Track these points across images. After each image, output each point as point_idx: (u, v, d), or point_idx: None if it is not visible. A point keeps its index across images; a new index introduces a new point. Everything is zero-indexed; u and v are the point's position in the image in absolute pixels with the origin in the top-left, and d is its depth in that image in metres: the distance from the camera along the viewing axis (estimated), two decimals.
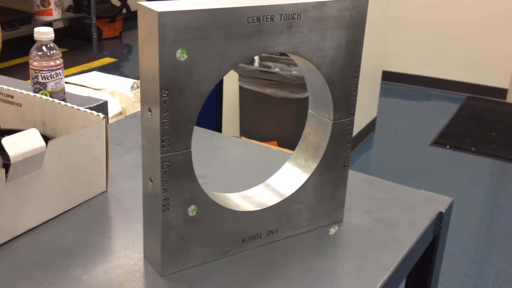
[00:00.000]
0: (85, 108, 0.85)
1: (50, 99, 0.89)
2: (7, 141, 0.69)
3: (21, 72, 3.68)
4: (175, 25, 0.58)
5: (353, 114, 0.76)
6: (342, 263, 0.72)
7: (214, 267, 0.70)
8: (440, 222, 0.84)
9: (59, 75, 1.13)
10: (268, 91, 2.44)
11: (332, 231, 0.79)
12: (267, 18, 0.64)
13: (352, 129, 0.77)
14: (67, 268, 0.69)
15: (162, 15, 0.57)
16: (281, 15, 0.65)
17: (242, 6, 0.62)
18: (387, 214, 0.83)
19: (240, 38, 0.63)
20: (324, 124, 0.76)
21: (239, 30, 0.62)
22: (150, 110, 0.63)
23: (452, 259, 2.10)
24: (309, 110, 0.78)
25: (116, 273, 0.68)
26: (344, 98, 0.74)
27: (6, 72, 3.69)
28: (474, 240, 2.29)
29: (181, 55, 0.60)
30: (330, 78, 0.72)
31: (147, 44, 0.60)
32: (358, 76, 0.74)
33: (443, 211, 0.84)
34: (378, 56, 3.11)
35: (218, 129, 2.76)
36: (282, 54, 2.40)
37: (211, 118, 2.78)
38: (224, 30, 0.61)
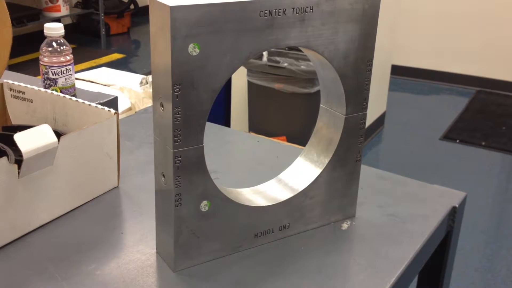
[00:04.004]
0: (96, 104, 0.85)
1: (61, 94, 0.89)
2: (19, 137, 0.70)
3: (29, 68, 3.69)
4: (187, 19, 0.58)
5: (366, 108, 0.75)
6: (355, 259, 0.72)
7: (226, 262, 0.70)
8: (454, 216, 0.83)
9: (69, 70, 1.13)
10: (277, 86, 2.43)
11: (345, 226, 0.79)
12: (279, 12, 0.63)
13: (364, 123, 0.76)
14: (80, 264, 0.69)
15: (174, 9, 0.57)
16: (293, 8, 0.64)
17: (255, 0, 0.61)
18: (399, 209, 0.82)
19: (253, 32, 0.62)
20: (336, 118, 0.75)
21: (251, 24, 0.62)
22: (162, 105, 0.62)
23: (463, 254, 2.09)
24: (321, 105, 0.78)
25: (129, 268, 0.68)
26: (356, 92, 0.74)
27: (13, 68, 3.71)
28: (484, 234, 2.27)
29: (193, 49, 0.59)
30: (343, 72, 0.71)
31: (159, 39, 0.60)
32: (370, 70, 0.74)
33: (457, 205, 0.83)
34: (387, 50, 3.10)
35: (227, 124, 2.76)
36: (290, 48, 2.40)
37: (219, 113, 2.77)
38: (237, 24, 0.61)
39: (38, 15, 4.30)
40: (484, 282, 1.99)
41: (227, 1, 0.60)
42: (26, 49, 4.03)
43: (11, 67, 3.73)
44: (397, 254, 0.72)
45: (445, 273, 0.87)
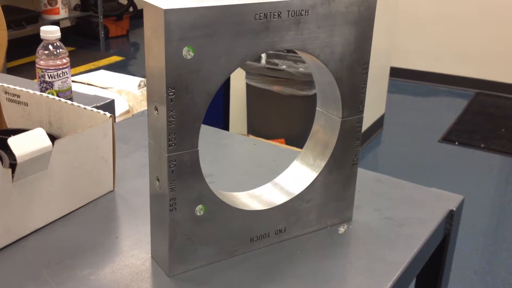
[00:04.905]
0: (92, 107, 0.84)
1: (57, 98, 0.88)
2: (13, 141, 0.69)
3: (27, 71, 3.69)
4: (181, 22, 0.57)
5: (362, 111, 0.75)
6: (351, 262, 0.72)
7: (222, 267, 0.70)
8: (451, 220, 0.83)
9: (65, 74, 1.13)
10: (275, 88, 2.43)
11: (341, 229, 0.78)
12: (274, 14, 0.63)
13: (361, 126, 0.76)
14: (75, 268, 0.68)
15: (168, 12, 0.56)
16: (288, 11, 0.64)
17: (249, 3, 0.61)
18: (397, 212, 0.82)
19: (247, 35, 0.62)
20: (332, 121, 0.75)
21: (246, 27, 0.62)
22: (156, 109, 0.62)
23: (462, 256, 2.09)
24: (317, 108, 0.77)
25: (124, 273, 0.68)
26: (352, 95, 0.73)
27: (13, 71, 3.71)
28: (483, 237, 2.27)
29: (187, 52, 0.59)
30: (339, 75, 0.71)
31: (153, 42, 0.60)
32: (366, 73, 0.73)
33: (454, 209, 0.83)
34: (386, 52, 3.10)
35: (225, 127, 2.76)
36: (289, 51, 2.39)
37: (218, 116, 2.77)
38: (231, 27, 0.61)
39: (37, 18, 4.30)
40: (484, 284, 1.99)
41: (221, 4, 0.59)
42: (25, 51, 4.03)
43: (11, 70, 3.73)
44: (394, 258, 0.72)
45: (442, 276, 0.87)
